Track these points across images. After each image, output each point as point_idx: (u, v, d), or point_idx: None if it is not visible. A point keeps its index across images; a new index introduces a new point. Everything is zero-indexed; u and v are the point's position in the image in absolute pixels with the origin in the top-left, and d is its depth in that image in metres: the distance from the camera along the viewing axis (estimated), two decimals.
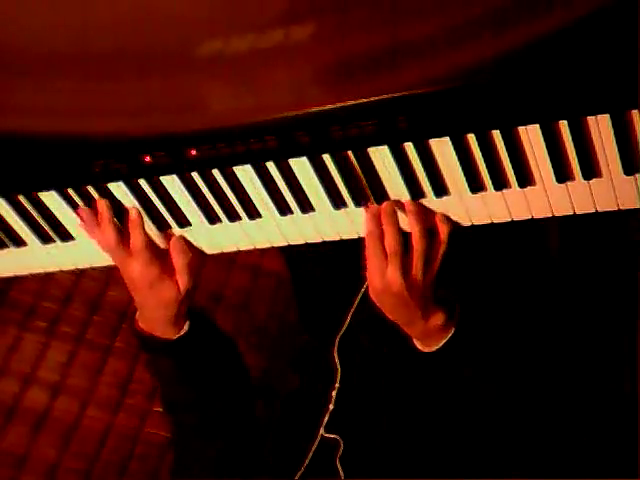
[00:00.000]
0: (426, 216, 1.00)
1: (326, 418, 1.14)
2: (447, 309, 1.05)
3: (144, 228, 1.08)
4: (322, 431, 1.14)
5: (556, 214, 0.98)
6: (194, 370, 1.18)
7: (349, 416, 1.13)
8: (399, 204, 1.00)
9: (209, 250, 1.12)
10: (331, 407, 1.14)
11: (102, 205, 1.07)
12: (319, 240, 1.06)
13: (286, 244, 1.09)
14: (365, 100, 0.92)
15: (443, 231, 1.00)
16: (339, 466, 1.11)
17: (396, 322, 1.07)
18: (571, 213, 0.98)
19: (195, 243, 1.12)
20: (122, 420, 2.07)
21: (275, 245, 1.09)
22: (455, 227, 1.01)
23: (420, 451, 1.10)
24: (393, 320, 1.06)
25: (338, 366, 1.17)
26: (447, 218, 1.01)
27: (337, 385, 1.15)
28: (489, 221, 1.01)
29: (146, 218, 1.09)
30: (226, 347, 1.24)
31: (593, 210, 0.97)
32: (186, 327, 1.15)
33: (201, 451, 1.19)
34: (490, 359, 1.07)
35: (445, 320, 1.04)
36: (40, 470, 2.01)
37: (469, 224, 1.01)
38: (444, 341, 1.05)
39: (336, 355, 1.17)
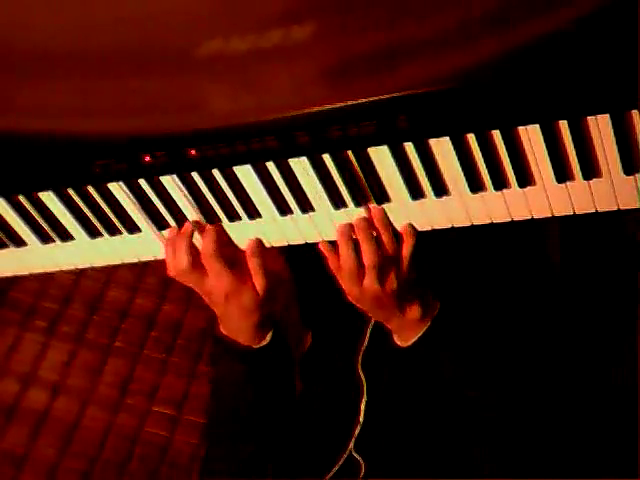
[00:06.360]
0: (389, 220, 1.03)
1: (357, 432, 1.14)
2: (423, 303, 1.07)
3: (216, 237, 1.06)
4: (352, 444, 1.14)
5: (556, 214, 0.98)
6: (263, 379, 1.16)
7: (375, 434, 1.14)
8: (368, 219, 1.02)
9: None
10: (361, 420, 1.15)
11: (184, 229, 1.07)
12: (319, 240, 1.06)
13: (286, 244, 1.09)
14: (365, 100, 0.92)
15: (409, 236, 1.03)
16: None
17: (375, 318, 1.11)
18: (571, 213, 0.98)
19: (195, 243, 1.12)
20: (122, 420, 2.07)
21: (275, 245, 1.09)
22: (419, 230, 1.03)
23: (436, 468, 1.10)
24: (372, 317, 1.11)
25: (364, 380, 1.17)
26: (411, 225, 1.03)
27: (364, 399, 1.16)
28: (489, 221, 1.01)
29: (146, 218, 1.09)
30: (293, 363, 1.22)
31: (593, 210, 0.97)
32: (268, 337, 1.14)
33: (236, 449, 1.17)
34: (472, 354, 1.08)
35: (421, 314, 1.07)
36: (40, 470, 2.01)
37: (469, 224, 1.01)
38: (419, 335, 1.07)
39: (360, 370, 1.18)
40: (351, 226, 1.02)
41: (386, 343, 1.11)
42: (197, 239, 1.08)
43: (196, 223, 1.08)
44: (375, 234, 1.02)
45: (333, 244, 1.04)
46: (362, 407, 1.15)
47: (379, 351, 1.15)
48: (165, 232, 1.10)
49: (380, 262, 1.01)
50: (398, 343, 1.10)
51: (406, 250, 1.03)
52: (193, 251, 1.06)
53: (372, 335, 1.18)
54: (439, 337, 1.08)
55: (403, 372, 1.14)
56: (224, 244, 1.07)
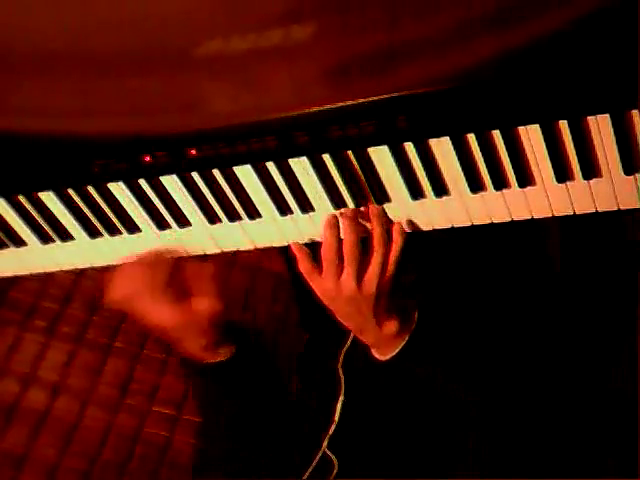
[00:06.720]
0: (387, 219, 1.02)
1: (331, 431, 1.14)
2: (401, 317, 1.05)
3: (159, 268, 1.07)
4: (326, 443, 1.14)
5: (556, 214, 0.98)
6: (233, 392, 1.17)
7: (349, 434, 1.14)
8: (359, 210, 1.01)
9: (209, 250, 1.12)
10: (336, 419, 1.15)
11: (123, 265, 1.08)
12: (319, 240, 1.06)
13: (286, 244, 1.09)
14: (365, 100, 0.92)
15: (400, 236, 1.01)
16: None
17: (349, 329, 1.08)
18: (571, 213, 0.98)
19: (195, 243, 1.12)
20: (122, 420, 2.07)
21: (275, 245, 1.09)
22: (408, 236, 1.02)
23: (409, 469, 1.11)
24: (346, 326, 1.07)
25: (342, 380, 1.17)
26: (402, 225, 1.02)
27: (341, 398, 1.15)
28: (489, 221, 1.01)
29: (146, 218, 1.09)
30: (268, 369, 1.23)
31: (593, 210, 0.97)
32: (229, 352, 1.14)
33: (227, 450, 1.18)
34: (452, 367, 1.07)
35: (398, 328, 1.05)
36: (40, 470, 2.01)
37: (469, 224, 1.01)
38: (397, 350, 1.06)
39: (340, 369, 1.17)
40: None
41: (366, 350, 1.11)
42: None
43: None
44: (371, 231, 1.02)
45: (312, 248, 1.04)
46: (338, 407, 1.15)
47: (360, 352, 1.14)
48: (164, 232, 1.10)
49: (360, 256, 1.00)
50: (376, 357, 1.09)
51: (394, 250, 1.01)
52: (132, 283, 1.07)
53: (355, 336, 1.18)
54: (419, 352, 1.06)
55: (381, 378, 1.13)
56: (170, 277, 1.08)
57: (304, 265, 1.03)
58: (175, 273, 1.08)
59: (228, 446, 1.18)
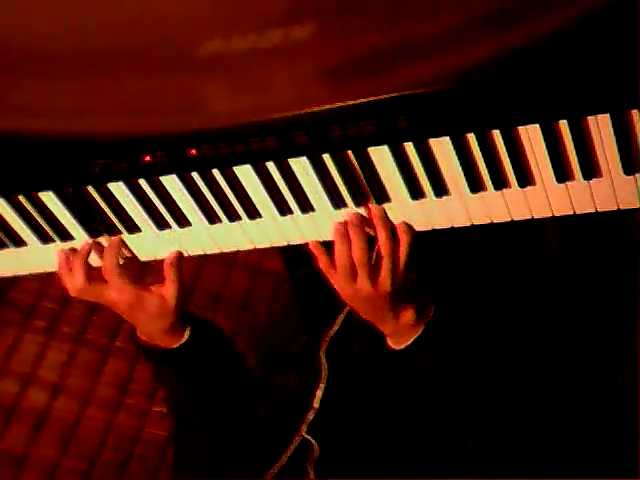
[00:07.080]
0: (389, 220, 1.02)
1: (310, 417, 1.15)
2: (418, 308, 1.07)
3: (115, 252, 1.10)
4: (304, 429, 1.15)
5: (556, 214, 0.98)
6: (195, 376, 1.19)
7: (330, 420, 1.15)
8: (364, 214, 1.02)
9: (209, 250, 1.12)
10: (315, 406, 1.16)
11: (80, 249, 1.11)
12: (319, 240, 1.06)
13: (286, 244, 1.09)
14: (365, 100, 0.92)
15: (405, 234, 1.02)
16: (310, 469, 1.13)
17: (369, 320, 1.10)
18: (571, 213, 0.98)
19: (195, 243, 1.12)
20: (122, 420, 2.07)
21: (275, 245, 1.09)
22: (416, 230, 1.03)
23: (397, 461, 1.11)
24: (366, 319, 1.09)
25: (325, 366, 1.18)
26: (407, 223, 1.02)
27: (322, 385, 1.17)
28: (489, 221, 1.01)
29: (146, 218, 1.09)
30: (228, 352, 1.25)
31: (593, 210, 0.97)
32: (186, 335, 1.16)
33: (201, 447, 1.19)
34: (464, 358, 1.08)
35: (415, 318, 1.06)
36: (40, 470, 2.01)
37: (469, 224, 1.01)
38: (413, 339, 1.07)
39: (323, 356, 1.19)
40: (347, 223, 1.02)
41: (359, 334, 1.12)
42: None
43: (94, 243, 1.12)
44: (373, 233, 1.02)
45: (327, 246, 1.04)
46: (318, 393, 1.17)
47: (348, 340, 1.15)
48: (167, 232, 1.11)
49: (370, 259, 1.01)
50: (391, 346, 1.10)
51: (402, 249, 1.02)
52: (88, 268, 1.11)
53: (344, 324, 1.19)
54: (433, 342, 1.07)
55: (367, 368, 1.14)
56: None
57: (323, 262, 1.04)
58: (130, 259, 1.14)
59: (205, 435, 1.19)
